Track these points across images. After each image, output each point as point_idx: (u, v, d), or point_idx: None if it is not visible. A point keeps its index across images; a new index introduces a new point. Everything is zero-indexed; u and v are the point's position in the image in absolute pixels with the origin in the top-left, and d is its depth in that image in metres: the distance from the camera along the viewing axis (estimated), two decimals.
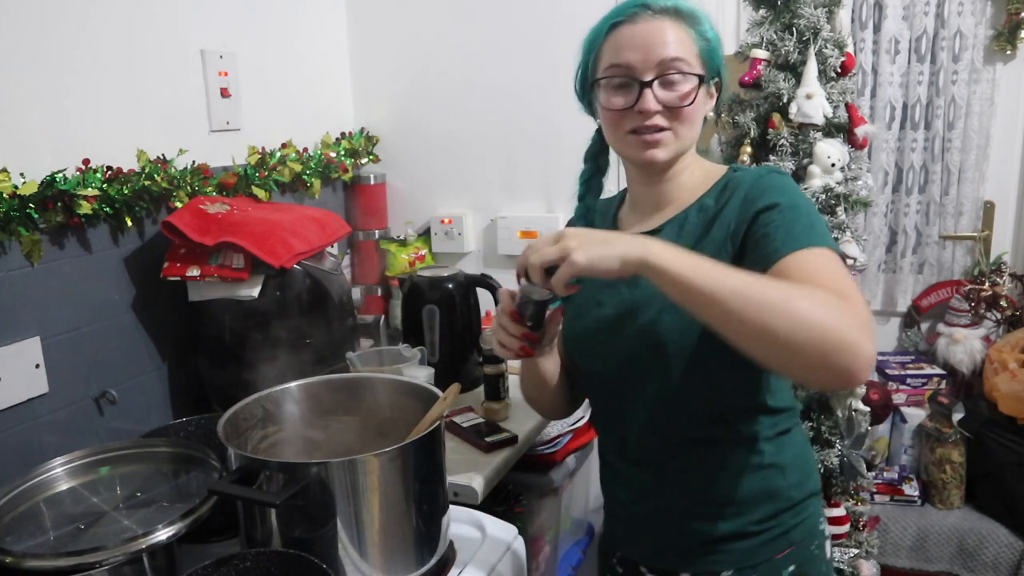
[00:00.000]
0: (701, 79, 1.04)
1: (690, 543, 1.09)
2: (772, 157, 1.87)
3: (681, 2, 1.06)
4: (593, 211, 1.18)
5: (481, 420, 1.64)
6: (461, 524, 1.30)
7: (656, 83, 1.03)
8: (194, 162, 1.70)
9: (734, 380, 1.03)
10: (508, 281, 1.99)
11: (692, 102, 1.03)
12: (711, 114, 1.10)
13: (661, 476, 1.10)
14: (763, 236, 0.97)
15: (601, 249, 0.85)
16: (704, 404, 1.04)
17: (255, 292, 1.57)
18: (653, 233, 1.07)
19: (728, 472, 1.06)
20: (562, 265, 0.86)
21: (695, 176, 1.10)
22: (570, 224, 1.20)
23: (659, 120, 1.04)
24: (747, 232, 1.00)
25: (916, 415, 2.43)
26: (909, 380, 2.45)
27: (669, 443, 1.07)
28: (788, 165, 1.86)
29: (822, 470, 1.87)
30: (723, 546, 1.07)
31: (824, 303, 0.82)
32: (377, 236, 2.35)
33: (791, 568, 1.06)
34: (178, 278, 1.55)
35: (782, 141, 1.86)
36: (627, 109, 1.04)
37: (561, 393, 1.21)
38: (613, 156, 1.15)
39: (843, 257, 0.99)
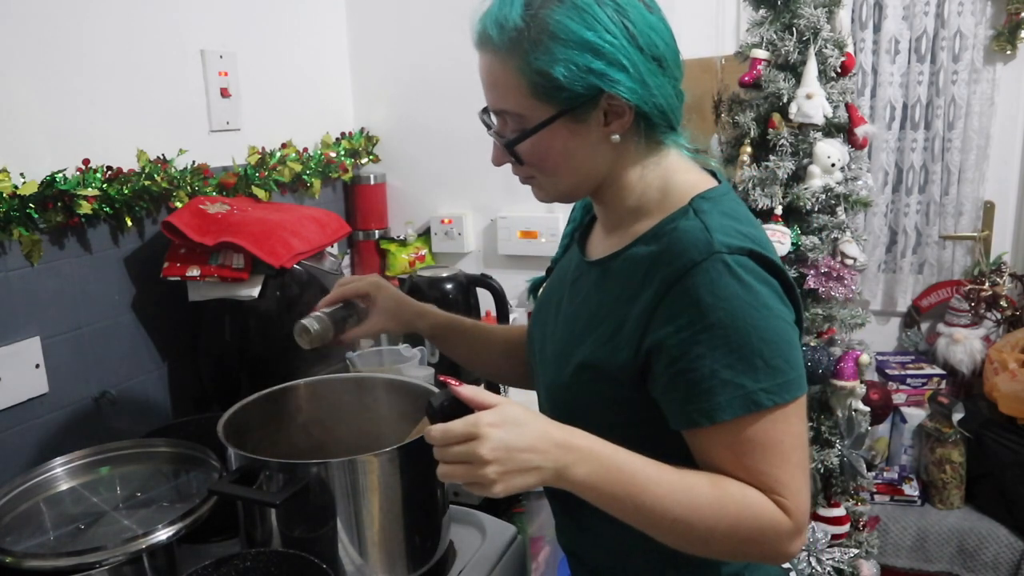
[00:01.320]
0: (549, 121, 0.85)
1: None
2: (772, 157, 1.87)
3: (493, 25, 0.85)
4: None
5: None
6: (461, 524, 1.30)
7: (493, 134, 0.91)
8: (194, 162, 1.70)
9: None
10: (508, 281, 2.01)
11: (521, 162, 0.90)
12: (616, 137, 0.87)
13: (570, 515, 1.05)
14: (675, 380, 0.82)
15: (523, 480, 0.78)
16: None
17: (255, 292, 1.57)
18: (591, 267, 0.97)
19: (612, 539, 0.95)
20: (475, 488, 0.79)
21: (647, 198, 0.92)
22: (573, 211, 1.14)
23: (516, 171, 0.93)
24: (652, 346, 0.83)
25: (916, 415, 2.43)
26: (909, 380, 2.45)
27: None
28: (788, 165, 1.86)
29: (822, 470, 1.87)
30: None
31: (753, 536, 0.81)
32: (377, 236, 2.35)
33: None
34: (178, 278, 1.55)
35: (782, 141, 1.86)
36: None
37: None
38: None
39: (786, 392, 0.81)
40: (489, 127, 0.94)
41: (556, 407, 0.98)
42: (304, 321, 1.16)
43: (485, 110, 0.94)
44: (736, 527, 0.80)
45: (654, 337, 0.83)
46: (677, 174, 0.92)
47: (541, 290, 1.15)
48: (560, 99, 0.84)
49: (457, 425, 0.78)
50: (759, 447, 0.81)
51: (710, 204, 0.88)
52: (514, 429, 0.78)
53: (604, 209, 0.98)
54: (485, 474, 0.77)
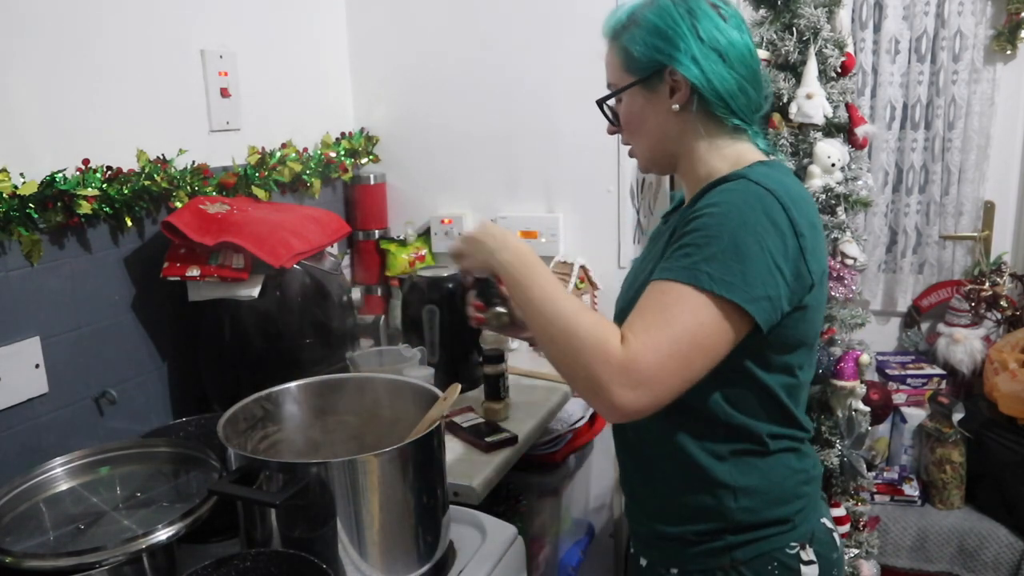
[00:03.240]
0: (628, 87, 1.09)
1: (645, 532, 1.17)
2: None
3: (607, 21, 1.12)
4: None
5: (481, 420, 1.64)
6: (461, 524, 1.30)
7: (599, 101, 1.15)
8: (194, 162, 1.70)
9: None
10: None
11: (618, 122, 1.14)
12: (676, 107, 1.07)
13: (636, 459, 1.17)
14: (672, 249, 1.01)
15: (474, 248, 1.11)
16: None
17: (255, 292, 1.57)
18: (664, 220, 1.22)
19: (677, 477, 1.09)
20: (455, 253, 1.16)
21: (699, 173, 1.10)
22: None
23: (623, 139, 1.17)
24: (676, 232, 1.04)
25: (916, 415, 2.43)
26: (909, 380, 2.45)
27: (641, 427, 1.09)
28: (788, 165, 1.86)
29: (822, 470, 1.87)
30: (668, 545, 1.13)
31: (583, 348, 0.93)
32: (377, 236, 2.35)
33: None
34: (178, 278, 1.55)
35: (782, 141, 1.86)
36: None
37: None
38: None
39: (717, 297, 0.92)
40: (600, 107, 1.17)
41: None
42: (500, 309, 1.18)
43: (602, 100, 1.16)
44: (578, 333, 0.95)
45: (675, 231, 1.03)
46: (748, 153, 1.09)
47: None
48: (637, 70, 1.08)
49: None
50: (660, 305, 0.95)
51: (762, 165, 1.05)
52: (489, 229, 1.12)
53: (684, 180, 1.15)
54: (460, 247, 1.14)
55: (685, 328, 0.92)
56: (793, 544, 1.08)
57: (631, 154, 1.18)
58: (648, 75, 1.07)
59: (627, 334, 0.93)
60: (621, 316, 1.10)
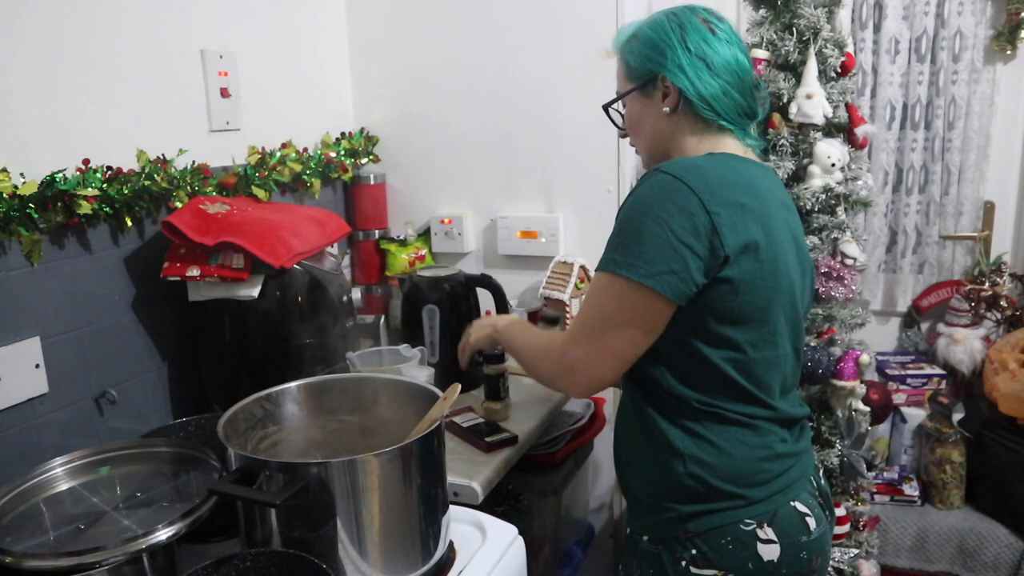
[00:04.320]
0: (627, 93, 1.25)
1: (629, 500, 1.26)
2: (772, 157, 1.87)
3: (616, 37, 1.28)
4: None
5: (481, 420, 1.64)
6: (461, 524, 1.30)
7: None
8: (194, 162, 1.70)
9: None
10: (508, 281, 2.01)
11: (622, 123, 1.30)
12: (667, 109, 1.20)
13: (619, 427, 1.29)
14: None
15: (479, 332, 1.50)
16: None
17: (255, 292, 1.57)
18: None
19: (642, 442, 1.20)
20: (467, 341, 1.54)
21: None
22: None
23: (630, 140, 1.32)
24: None
25: (916, 415, 2.43)
26: (909, 380, 2.45)
27: (622, 398, 1.26)
28: (788, 165, 1.86)
29: (822, 470, 1.87)
30: (636, 510, 1.23)
31: (538, 355, 1.27)
32: (377, 236, 2.35)
33: (692, 551, 1.13)
34: (178, 278, 1.55)
35: (782, 141, 1.86)
36: None
37: None
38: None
39: (625, 280, 1.08)
40: (606, 112, 1.34)
41: None
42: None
43: (610, 103, 1.32)
44: (537, 348, 1.28)
45: None
46: (723, 150, 1.20)
47: None
48: (634, 77, 1.24)
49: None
50: (585, 300, 1.17)
51: (700, 159, 1.16)
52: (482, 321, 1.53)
53: None
54: (469, 331, 1.53)
55: (600, 312, 1.12)
56: (749, 521, 1.12)
57: (637, 152, 1.32)
58: (644, 82, 1.22)
59: (563, 335, 1.18)
60: None
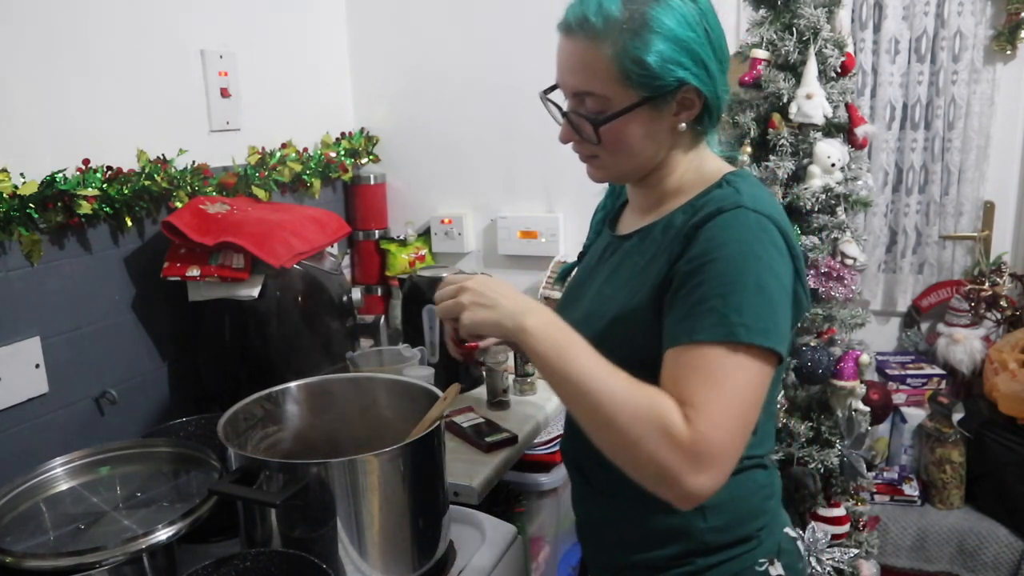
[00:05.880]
0: (634, 107, 0.92)
1: (605, 560, 1.08)
2: (772, 157, 1.87)
3: (595, 13, 0.91)
4: (622, 189, 1.16)
5: (481, 420, 1.64)
6: (461, 524, 1.30)
7: (572, 113, 0.97)
8: (194, 162, 1.70)
9: None
10: (508, 281, 2.00)
11: (598, 141, 0.95)
12: (682, 126, 0.95)
13: (594, 481, 1.06)
14: (673, 303, 0.89)
15: (485, 313, 0.90)
16: None
17: (255, 292, 1.57)
18: (625, 239, 1.05)
19: (640, 499, 0.93)
20: (449, 315, 0.94)
21: (685, 179, 1.01)
22: (604, 199, 1.22)
23: (580, 149, 1.00)
24: (670, 282, 0.91)
25: (916, 415, 2.43)
26: (909, 380, 2.45)
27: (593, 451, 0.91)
28: (788, 165, 1.86)
29: (822, 470, 1.87)
30: (636, 573, 1.04)
31: (645, 435, 0.81)
32: (377, 236, 2.35)
33: None
34: (178, 278, 1.55)
35: (782, 141, 1.86)
36: None
37: None
38: None
39: (756, 350, 0.85)
40: (557, 107, 1.00)
41: None
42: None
43: (548, 91, 1.01)
44: (636, 420, 0.82)
45: (673, 270, 0.91)
46: (709, 160, 1.03)
47: (572, 276, 1.20)
48: (649, 87, 0.92)
49: (459, 275, 0.96)
50: (706, 370, 0.84)
51: (739, 179, 0.97)
52: (495, 284, 0.93)
53: (645, 191, 1.05)
54: (461, 300, 0.93)
55: (737, 391, 0.84)
56: (762, 561, 1.02)
57: (591, 164, 1.02)
58: (661, 93, 0.92)
59: (689, 413, 0.82)
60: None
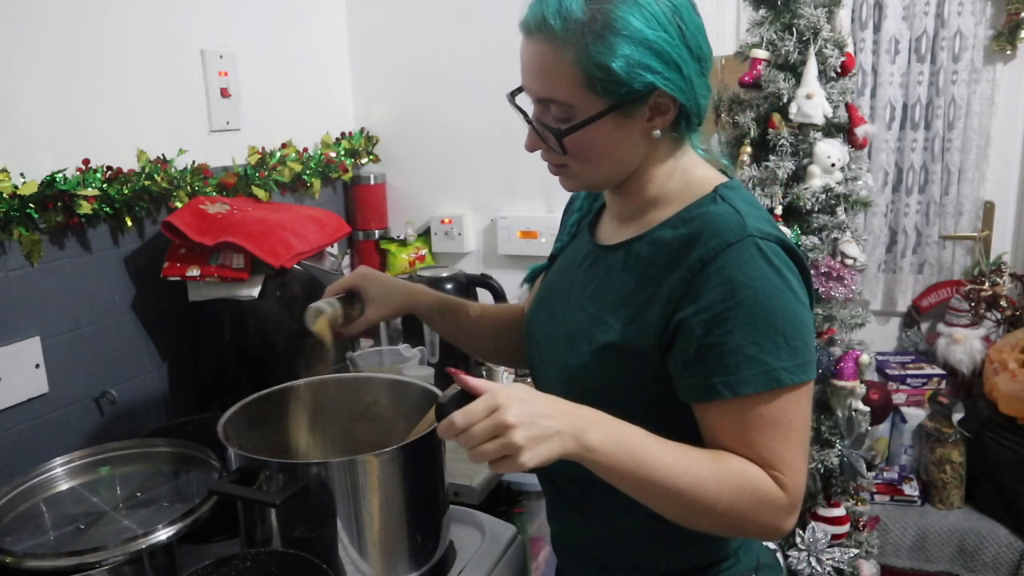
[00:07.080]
0: (602, 115, 0.86)
1: None
2: (772, 157, 1.87)
3: (554, 14, 0.84)
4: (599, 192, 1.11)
5: None
6: (461, 524, 1.30)
7: (536, 121, 0.91)
8: (194, 162, 1.70)
9: None
10: (508, 281, 2.00)
11: (564, 151, 0.90)
12: (656, 133, 0.90)
13: (575, 503, 1.03)
14: (698, 353, 0.85)
15: (548, 449, 0.78)
16: None
17: (255, 292, 1.57)
18: (608, 251, 0.99)
19: (622, 523, 0.97)
20: (505, 462, 0.79)
21: (668, 188, 0.95)
22: (577, 200, 1.16)
23: (548, 158, 0.95)
24: (677, 325, 0.86)
25: (916, 415, 2.43)
26: (909, 380, 2.45)
27: (585, 478, 0.86)
28: (788, 165, 1.86)
29: (822, 470, 1.87)
30: None
31: (747, 513, 0.84)
32: (377, 236, 2.35)
33: None
34: (178, 278, 1.55)
35: (782, 141, 1.86)
36: None
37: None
38: None
39: (794, 373, 0.84)
40: (523, 112, 0.95)
41: (573, 388, 0.94)
42: (317, 304, 1.16)
43: (514, 93, 0.96)
44: (736, 500, 0.83)
45: (683, 314, 0.86)
46: (696, 168, 0.97)
47: (543, 278, 1.16)
48: (615, 93, 0.85)
49: (477, 403, 0.79)
50: (769, 423, 0.84)
51: (734, 193, 0.92)
52: (529, 398, 0.80)
53: (622, 199, 1.00)
54: (514, 441, 0.77)
55: (800, 431, 0.86)
56: (750, 574, 1.01)
57: (561, 174, 0.97)
58: (631, 100, 0.86)
59: (776, 476, 0.84)
60: (571, 377, 0.96)
